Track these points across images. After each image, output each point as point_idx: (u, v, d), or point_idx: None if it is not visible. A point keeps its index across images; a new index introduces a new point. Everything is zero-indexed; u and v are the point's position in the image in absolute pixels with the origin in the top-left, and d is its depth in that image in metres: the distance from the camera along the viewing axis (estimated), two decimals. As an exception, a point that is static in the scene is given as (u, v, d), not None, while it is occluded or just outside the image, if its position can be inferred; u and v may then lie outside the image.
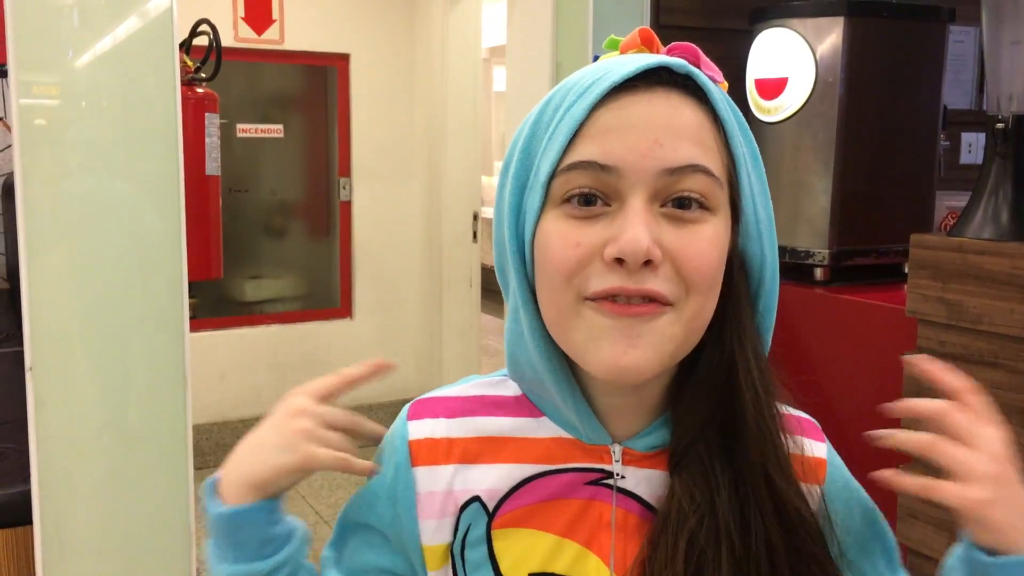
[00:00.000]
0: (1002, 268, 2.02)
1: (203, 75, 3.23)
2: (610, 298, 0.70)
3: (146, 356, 2.48)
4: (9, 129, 5.65)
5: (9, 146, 5.67)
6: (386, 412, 4.24)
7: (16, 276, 5.23)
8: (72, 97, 2.35)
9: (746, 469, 0.75)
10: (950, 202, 2.90)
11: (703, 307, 0.74)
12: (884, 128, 2.75)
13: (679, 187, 0.71)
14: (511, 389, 0.82)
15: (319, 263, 4.49)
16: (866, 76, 2.69)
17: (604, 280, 0.70)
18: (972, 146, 3.39)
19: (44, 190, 2.35)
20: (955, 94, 3.29)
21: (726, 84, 0.78)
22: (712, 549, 0.72)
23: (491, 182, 5.84)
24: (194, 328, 2.59)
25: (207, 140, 2.99)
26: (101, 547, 2.47)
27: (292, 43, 4.11)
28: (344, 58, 4.26)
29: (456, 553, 0.79)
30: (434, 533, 0.80)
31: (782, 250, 2.84)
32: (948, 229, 2.30)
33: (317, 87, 4.42)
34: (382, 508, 0.83)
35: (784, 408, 0.84)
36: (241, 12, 3.98)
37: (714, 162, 0.73)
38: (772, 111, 2.81)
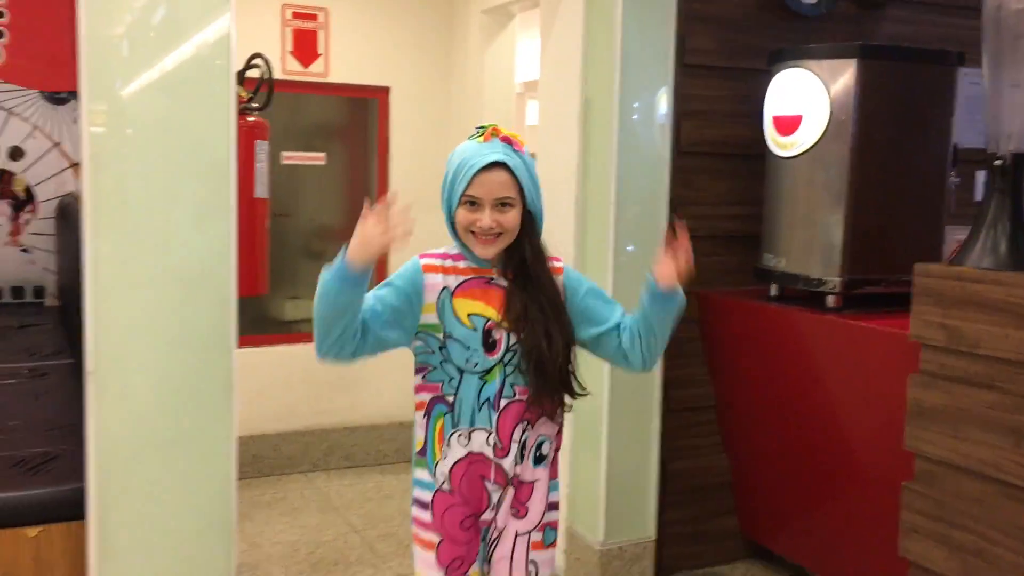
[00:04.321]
0: (998, 296, 2.14)
1: (255, 104, 3.44)
2: (479, 235, 1.83)
3: (197, 366, 2.66)
4: (65, 156, 5.93)
5: (64, 169, 5.95)
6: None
7: (68, 294, 5.48)
8: (134, 124, 2.55)
9: (533, 274, 1.87)
10: (960, 236, 3.01)
11: (513, 233, 1.86)
12: (895, 164, 2.89)
13: (500, 202, 1.84)
14: (456, 250, 1.91)
15: (356, 286, 4.68)
16: (877, 115, 2.83)
17: (477, 228, 1.83)
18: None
19: (107, 211, 2.55)
20: (970, 134, 3.40)
21: (524, 142, 1.89)
22: (530, 300, 1.85)
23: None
24: (238, 344, 2.76)
25: (257, 166, 3.18)
26: (149, 543, 2.64)
27: (336, 76, 4.33)
28: (385, 91, 4.47)
29: (439, 308, 1.85)
30: (430, 298, 1.85)
31: (796, 278, 2.98)
32: (950, 258, 2.42)
33: (358, 118, 4.63)
34: (408, 285, 1.84)
35: (547, 253, 1.91)
36: (289, 47, 4.21)
37: (514, 191, 1.85)
38: (788, 146, 2.96)
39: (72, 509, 2.69)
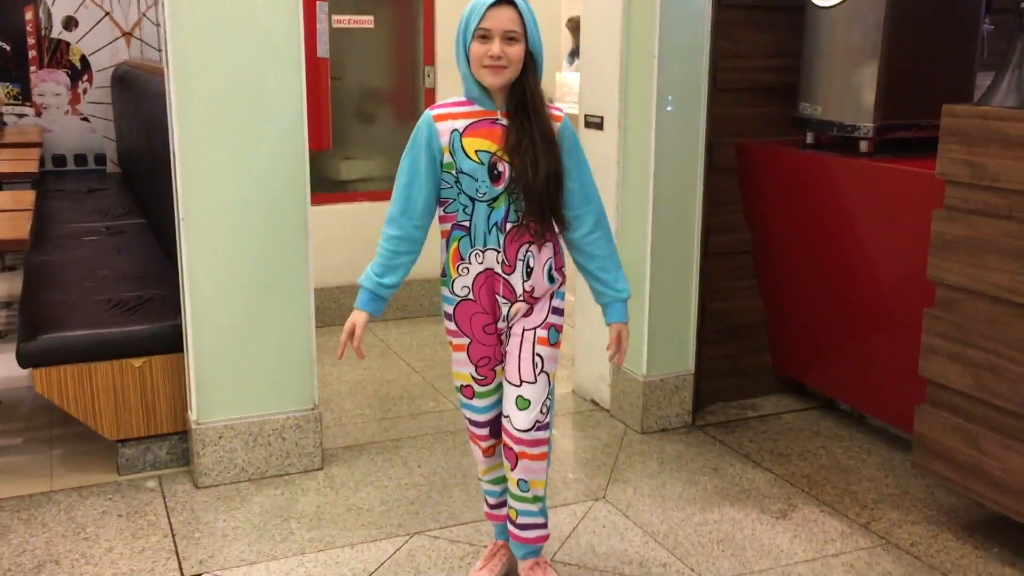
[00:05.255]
0: (1020, 132, 2.31)
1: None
2: (489, 65, 2.08)
3: (276, 215, 2.91)
4: (116, 24, 6.08)
5: (116, 39, 6.11)
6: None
7: (128, 161, 5.73)
8: (211, -13, 2.73)
9: (532, 112, 2.12)
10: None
11: (518, 66, 2.09)
12: (929, 11, 2.99)
13: (507, 35, 2.07)
14: (464, 98, 2.17)
15: (403, 146, 4.88)
16: (915, -37, 2.92)
17: (488, 62, 2.08)
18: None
19: (190, 70, 2.75)
20: (1008, -19, 3.47)
21: None
22: (524, 134, 2.11)
23: (561, 78, 6.07)
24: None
25: (319, 26, 3.34)
26: (241, 373, 2.95)
27: (382, -61, 4.42)
28: (430, -45, 4.57)
29: (451, 148, 2.13)
30: (444, 141, 2.14)
31: (831, 125, 3.14)
32: (976, 101, 2.57)
33: (405, -20, 4.74)
34: (426, 142, 2.14)
35: (548, 100, 2.17)
36: (336, -90, 4.30)
37: (519, 27, 2.08)
38: (827, -3, 3.07)
39: (172, 343, 3.01)
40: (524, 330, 2.23)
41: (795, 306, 3.54)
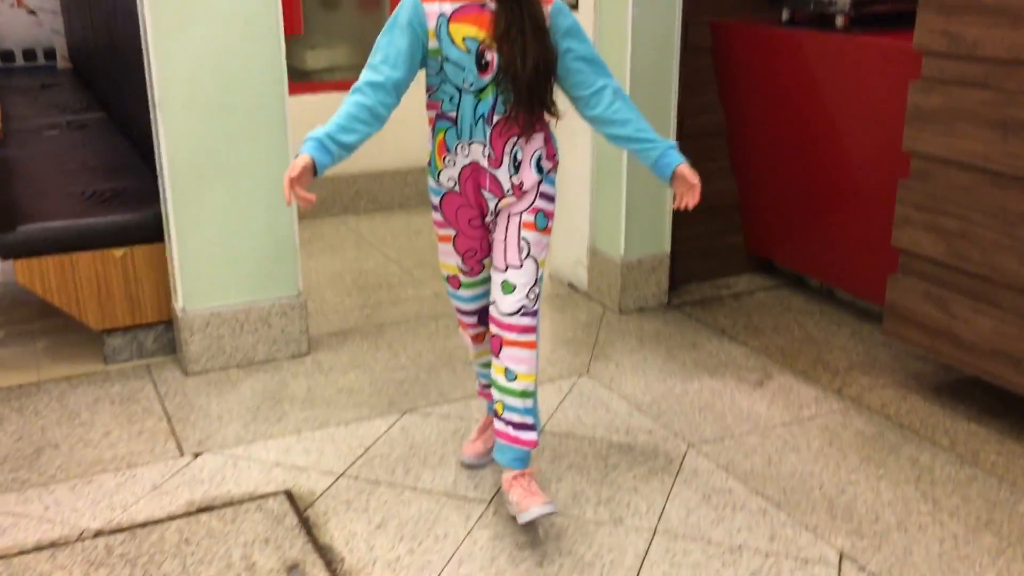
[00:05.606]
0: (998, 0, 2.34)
1: None
2: None
3: (253, 100, 2.87)
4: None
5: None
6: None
7: (79, 55, 5.55)
8: None
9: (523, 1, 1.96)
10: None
11: None
12: None
13: None
14: None
15: (370, 34, 4.79)
16: None
17: None
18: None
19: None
20: None
21: None
22: (513, 20, 1.95)
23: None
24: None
25: (286, -97, 3.23)
26: (224, 260, 2.95)
27: None
28: None
29: (437, 33, 1.98)
30: (430, 23, 1.98)
31: (807, 0, 3.14)
32: (956, -30, 2.58)
33: None
34: (411, 20, 1.98)
35: None
36: None
37: None
38: None
39: (152, 232, 2.99)
40: (510, 215, 2.14)
41: (768, 186, 3.60)
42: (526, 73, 1.97)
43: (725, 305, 3.58)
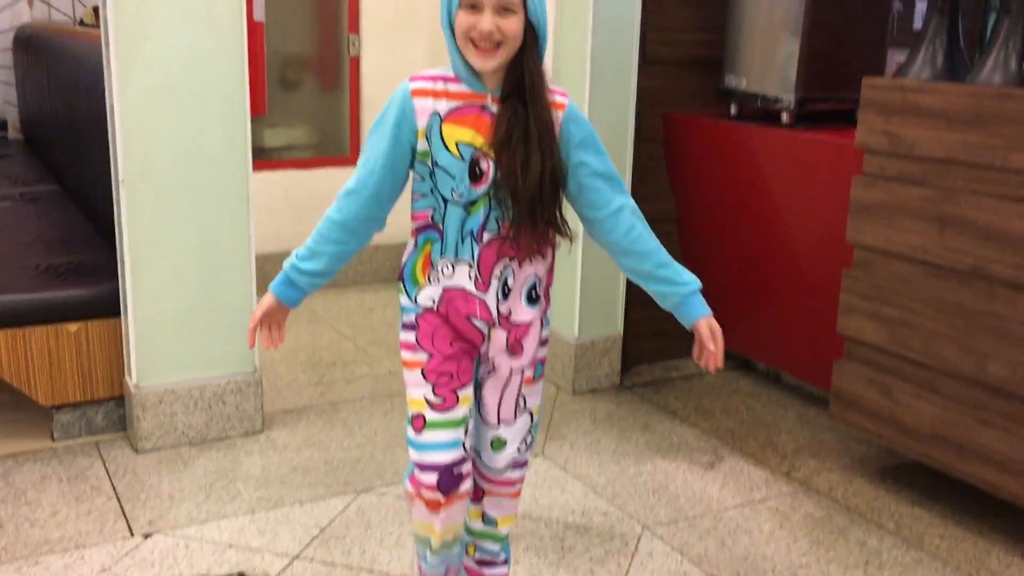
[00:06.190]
0: (934, 103, 2.49)
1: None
2: (478, 43, 1.70)
3: (217, 178, 2.91)
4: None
5: (16, 1, 5.87)
6: (392, 251, 4.73)
7: (32, 126, 5.54)
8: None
9: (530, 99, 1.74)
10: (901, 58, 3.35)
11: (514, 44, 1.72)
12: (847, -9, 3.17)
13: (502, 6, 1.69)
14: (451, 73, 1.79)
15: (330, 114, 4.87)
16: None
17: (476, 36, 1.70)
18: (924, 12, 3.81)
19: (128, 34, 2.72)
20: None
21: None
22: (516, 125, 1.74)
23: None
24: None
25: (255, -10, 3.33)
26: (180, 337, 2.94)
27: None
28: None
29: (427, 134, 1.76)
30: (420, 122, 1.76)
31: (754, 96, 3.30)
32: (893, 74, 2.76)
33: (328, -56, 4.72)
34: (398, 119, 1.76)
35: (549, 83, 1.79)
36: None
37: None
38: (752, -26, 3.22)
39: (108, 307, 2.98)
40: (512, 371, 1.89)
41: (717, 272, 3.71)
42: (528, 187, 1.72)
43: (676, 387, 3.65)
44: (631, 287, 3.66)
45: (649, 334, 3.82)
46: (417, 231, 1.84)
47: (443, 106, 1.75)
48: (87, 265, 3.22)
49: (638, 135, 3.49)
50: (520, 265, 1.81)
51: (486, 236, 1.78)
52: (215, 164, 2.90)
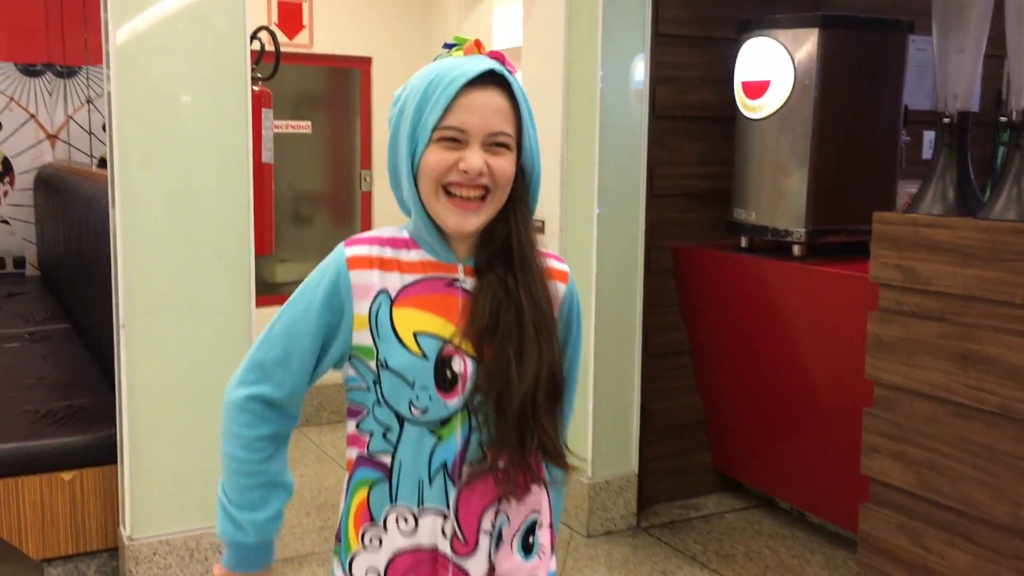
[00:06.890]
0: (947, 238, 2.43)
1: (259, 75, 3.61)
2: (455, 197, 1.25)
3: (220, 320, 2.86)
4: (41, 127, 6.00)
5: (40, 141, 6.03)
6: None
7: (48, 264, 5.59)
8: (156, 95, 2.72)
9: (519, 270, 1.29)
10: (911, 190, 3.31)
11: (503, 196, 1.28)
12: (853, 124, 3.16)
13: (494, 140, 1.25)
14: (405, 234, 1.32)
15: (340, 248, 4.90)
16: (837, 79, 3.10)
17: (456, 179, 1.25)
18: (933, 142, 3.81)
19: (133, 176, 2.73)
20: (918, 96, 3.70)
21: (516, 70, 1.32)
22: (504, 305, 1.27)
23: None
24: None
25: (264, 132, 3.36)
26: (179, 484, 2.85)
27: (320, 47, 4.51)
28: (367, 61, 4.67)
29: (372, 320, 1.26)
30: (360, 306, 1.27)
31: (764, 229, 3.25)
32: (904, 208, 2.71)
33: (342, 87, 4.82)
34: (329, 290, 1.27)
35: (542, 248, 1.35)
36: (275, 19, 4.38)
37: (511, 127, 1.27)
38: (757, 109, 3.22)
39: (104, 455, 2.89)
40: None
41: (733, 407, 3.60)
42: (522, 390, 1.24)
43: (695, 528, 3.49)
44: (646, 422, 3.55)
45: (666, 471, 3.68)
46: (353, 463, 1.32)
47: (394, 281, 1.27)
48: (87, 409, 3.15)
49: (647, 266, 3.45)
50: (511, 504, 1.30)
51: (467, 471, 1.26)
52: (218, 309, 2.85)
